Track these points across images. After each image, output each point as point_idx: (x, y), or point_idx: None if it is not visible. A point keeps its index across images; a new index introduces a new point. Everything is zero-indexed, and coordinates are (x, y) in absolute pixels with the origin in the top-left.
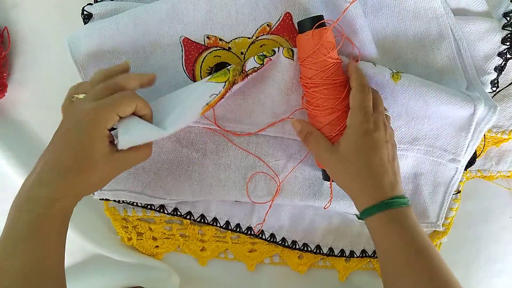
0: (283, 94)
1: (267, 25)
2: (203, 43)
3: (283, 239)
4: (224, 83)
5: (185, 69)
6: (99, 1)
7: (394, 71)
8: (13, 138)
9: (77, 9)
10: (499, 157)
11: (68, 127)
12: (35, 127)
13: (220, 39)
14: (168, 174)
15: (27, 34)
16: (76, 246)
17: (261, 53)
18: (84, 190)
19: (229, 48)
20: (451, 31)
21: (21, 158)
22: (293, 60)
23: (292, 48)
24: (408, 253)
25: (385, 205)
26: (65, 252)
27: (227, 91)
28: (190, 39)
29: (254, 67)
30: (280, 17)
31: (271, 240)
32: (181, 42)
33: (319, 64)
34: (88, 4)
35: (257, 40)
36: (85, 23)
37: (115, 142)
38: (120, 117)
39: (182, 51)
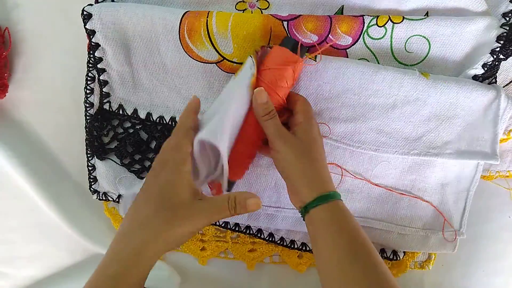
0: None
1: None
2: None
3: (282, 239)
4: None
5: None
6: (100, 1)
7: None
8: (14, 138)
9: (78, 9)
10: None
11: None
12: (36, 127)
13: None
14: None
15: (28, 35)
16: (76, 246)
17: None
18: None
19: None
20: None
21: (22, 158)
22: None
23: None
24: (353, 244)
25: (329, 196)
26: (65, 252)
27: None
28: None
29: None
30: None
31: (270, 239)
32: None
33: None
34: (88, 5)
35: None
36: (85, 23)
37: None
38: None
39: None
